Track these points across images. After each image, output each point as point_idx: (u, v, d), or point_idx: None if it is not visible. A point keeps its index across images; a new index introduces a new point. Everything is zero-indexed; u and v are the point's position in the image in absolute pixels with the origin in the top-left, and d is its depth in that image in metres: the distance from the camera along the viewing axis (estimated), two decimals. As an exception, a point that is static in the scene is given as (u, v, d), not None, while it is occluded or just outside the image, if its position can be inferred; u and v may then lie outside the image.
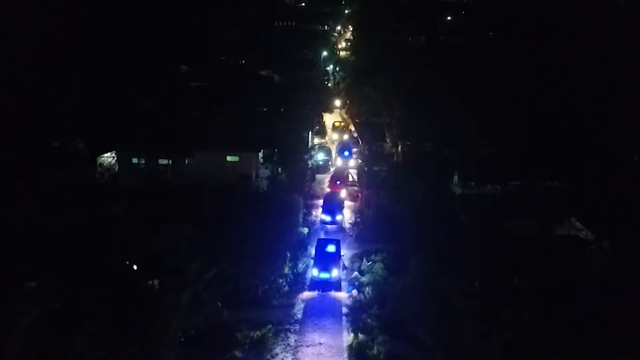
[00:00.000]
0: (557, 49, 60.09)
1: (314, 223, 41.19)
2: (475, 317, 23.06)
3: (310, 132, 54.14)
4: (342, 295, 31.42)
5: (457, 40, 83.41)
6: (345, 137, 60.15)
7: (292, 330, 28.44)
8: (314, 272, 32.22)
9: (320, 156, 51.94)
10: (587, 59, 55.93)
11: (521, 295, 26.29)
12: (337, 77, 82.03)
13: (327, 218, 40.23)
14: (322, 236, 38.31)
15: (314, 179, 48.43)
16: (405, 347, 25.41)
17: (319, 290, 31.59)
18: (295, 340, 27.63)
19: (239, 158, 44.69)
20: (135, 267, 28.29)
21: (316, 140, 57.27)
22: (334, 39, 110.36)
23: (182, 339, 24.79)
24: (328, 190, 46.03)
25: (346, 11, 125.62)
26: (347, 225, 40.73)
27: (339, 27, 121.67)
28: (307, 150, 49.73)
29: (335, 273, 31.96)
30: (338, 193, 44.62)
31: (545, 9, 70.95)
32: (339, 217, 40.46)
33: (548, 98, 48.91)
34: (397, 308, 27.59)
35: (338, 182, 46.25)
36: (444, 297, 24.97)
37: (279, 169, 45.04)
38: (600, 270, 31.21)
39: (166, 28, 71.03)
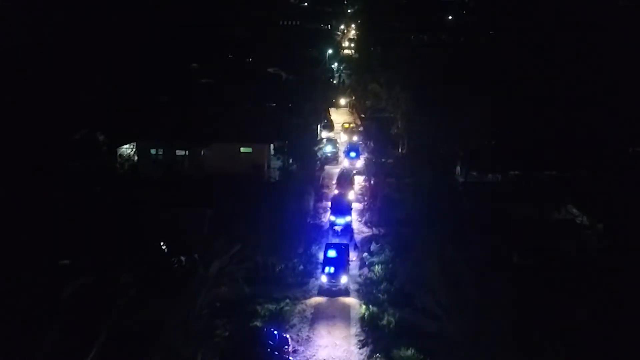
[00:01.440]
0: (554, 46, 62.01)
1: (324, 209, 43.15)
2: (478, 287, 25.16)
3: (318, 126, 56.26)
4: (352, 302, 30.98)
5: (459, 39, 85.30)
6: (355, 138, 59.47)
7: (307, 305, 30.69)
8: (323, 278, 31.60)
9: (328, 148, 54.10)
10: (584, 55, 57.86)
11: (520, 269, 28.42)
12: (342, 74, 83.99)
13: (336, 220, 39.77)
14: (331, 234, 38.65)
15: (323, 169, 50.51)
16: (414, 315, 27.55)
17: (327, 296, 30.97)
18: (311, 314, 29.87)
19: (252, 149, 46.85)
20: (164, 246, 30.38)
21: (324, 134, 59.23)
22: (337, 38, 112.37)
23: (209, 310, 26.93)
24: (335, 192, 45.59)
25: (349, 10, 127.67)
26: (355, 226, 40.48)
27: (342, 26, 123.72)
28: (316, 142, 51.78)
29: (344, 279, 31.43)
30: (346, 195, 44.45)
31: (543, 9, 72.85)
32: (347, 219, 39.99)
33: (546, 93, 50.82)
34: (405, 282, 29.69)
35: (344, 184, 46.04)
36: (450, 270, 27.09)
37: (290, 160, 47.09)
38: (593, 249, 33.32)
39: (176, 28, 73.10)
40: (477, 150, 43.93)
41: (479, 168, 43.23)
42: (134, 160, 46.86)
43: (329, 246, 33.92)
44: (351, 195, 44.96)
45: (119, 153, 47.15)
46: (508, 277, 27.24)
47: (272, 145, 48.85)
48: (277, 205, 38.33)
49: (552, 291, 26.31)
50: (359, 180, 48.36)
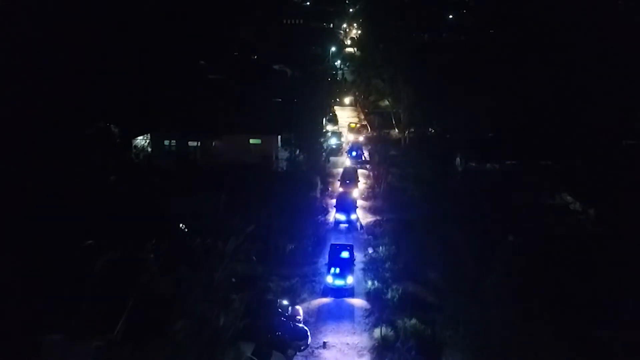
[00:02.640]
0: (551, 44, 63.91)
1: (330, 196, 45.12)
2: (476, 262, 27.16)
3: (324, 119, 58.26)
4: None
5: (459, 37, 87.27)
6: (361, 138, 59.69)
7: (316, 282, 32.78)
8: (328, 279, 31.64)
9: (333, 140, 56.12)
10: (580, 52, 59.72)
11: (515, 247, 30.39)
12: (345, 71, 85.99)
13: (342, 217, 40.36)
14: (337, 232, 39.07)
15: (328, 160, 52.54)
16: (416, 289, 29.56)
17: (333, 297, 31.11)
18: (320, 289, 31.93)
19: (261, 141, 48.90)
20: (183, 227, 32.41)
21: (329, 127, 61.25)
22: (340, 36, 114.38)
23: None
24: (340, 189, 46.15)
25: (350, 10, 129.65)
26: (360, 224, 40.73)
27: (344, 25, 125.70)
28: (322, 134, 53.80)
29: (350, 280, 31.51)
30: (350, 192, 45.01)
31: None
32: (353, 217, 40.47)
33: (542, 87, 52.75)
34: (408, 261, 31.71)
35: (348, 182, 46.59)
36: (450, 247, 29.10)
37: (297, 151, 49.12)
38: (586, 233, 35.35)
39: (183, 27, 75.14)
40: (475, 141, 45.89)
41: (477, 158, 45.18)
42: (148, 151, 48.86)
43: (334, 247, 33.93)
44: (356, 193, 45.65)
45: (134, 144, 49.12)
46: (504, 254, 29.32)
47: (279, 137, 50.80)
48: (286, 191, 40.37)
49: (546, 265, 28.27)
50: (362, 174, 49.80)
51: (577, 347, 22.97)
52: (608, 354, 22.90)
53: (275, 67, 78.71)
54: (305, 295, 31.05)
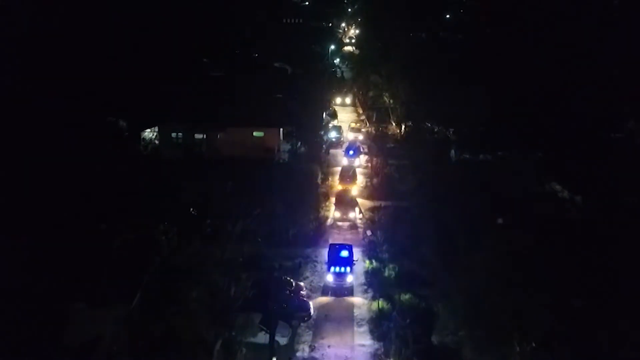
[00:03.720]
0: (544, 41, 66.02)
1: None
2: (467, 241, 29.29)
3: (324, 113, 60.35)
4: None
5: (457, 36, 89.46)
6: (360, 137, 60.14)
7: (318, 262, 34.94)
8: (328, 278, 32.33)
9: (333, 134, 58.23)
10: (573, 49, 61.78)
11: (503, 229, 32.59)
12: (344, 69, 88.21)
13: (341, 215, 41.41)
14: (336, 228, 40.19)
15: (328, 152, 54.66)
16: (412, 267, 31.73)
17: (333, 295, 31.79)
18: (321, 268, 34.07)
19: (264, 133, 50.99)
20: (193, 211, 34.50)
21: (329, 121, 63.38)
22: (339, 35, 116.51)
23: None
24: (339, 187, 46.65)
25: (349, 10, 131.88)
26: (360, 222, 41.61)
27: (343, 24, 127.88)
28: (322, 127, 55.90)
29: (349, 279, 32.20)
30: (350, 190, 45.72)
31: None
32: (352, 215, 41.40)
33: (533, 81, 54.80)
34: (405, 242, 33.86)
35: (348, 179, 47.22)
36: (443, 228, 31.25)
37: (299, 143, 51.21)
38: (570, 216, 37.54)
39: (186, 25, 77.17)
40: (468, 133, 48.04)
41: (470, 149, 47.32)
42: (155, 143, 50.89)
43: (333, 246, 34.39)
44: (355, 191, 46.36)
45: (142, 137, 51.14)
46: (493, 234, 31.49)
47: (281, 130, 52.86)
48: (288, 180, 42.43)
49: (533, 245, 30.39)
50: (361, 172, 51.10)
51: (558, 314, 25.00)
52: (584, 319, 24.90)
53: (276, 64, 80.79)
54: (308, 274, 33.12)
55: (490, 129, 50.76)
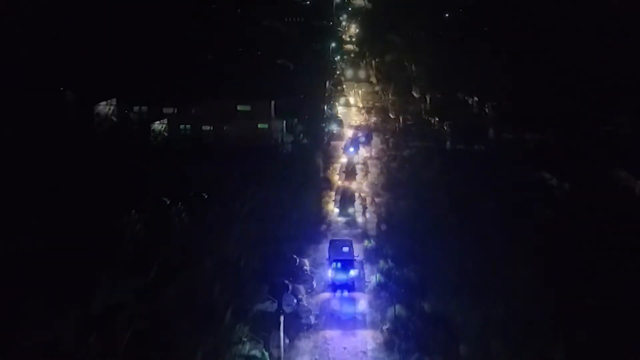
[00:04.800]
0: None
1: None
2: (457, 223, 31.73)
3: (324, 107, 62.77)
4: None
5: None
6: (360, 134, 59.34)
7: (319, 242, 37.43)
8: (331, 274, 32.41)
9: (334, 126, 60.65)
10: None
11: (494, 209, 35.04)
12: (345, 63, 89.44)
13: (342, 212, 42.16)
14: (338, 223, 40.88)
15: (329, 144, 57.02)
16: (408, 245, 34.20)
17: (336, 291, 31.88)
18: (323, 248, 36.53)
19: (268, 125, 53.32)
20: (204, 194, 36.98)
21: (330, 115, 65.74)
22: (339, 34, 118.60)
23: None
24: (339, 183, 47.31)
25: (349, 8, 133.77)
26: (360, 219, 41.79)
27: (343, 23, 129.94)
28: (324, 120, 58.23)
29: (352, 273, 32.24)
30: (350, 186, 46.13)
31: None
32: (351, 210, 42.19)
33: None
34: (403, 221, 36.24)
35: (349, 175, 47.65)
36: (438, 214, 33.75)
37: (301, 135, 53.58)
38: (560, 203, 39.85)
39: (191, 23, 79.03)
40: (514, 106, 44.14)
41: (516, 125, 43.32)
42: (164, 135, 53.21)
43: (334, 242, 34.92)
44: (355, 185, 46.84)
45: (152, 128, 53.43)
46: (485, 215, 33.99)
47: (285, 122, 55.19)
48: (292, 169, 44.89)
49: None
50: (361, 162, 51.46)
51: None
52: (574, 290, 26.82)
53: (279, 61, 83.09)
54: (310, 252, 35.60)
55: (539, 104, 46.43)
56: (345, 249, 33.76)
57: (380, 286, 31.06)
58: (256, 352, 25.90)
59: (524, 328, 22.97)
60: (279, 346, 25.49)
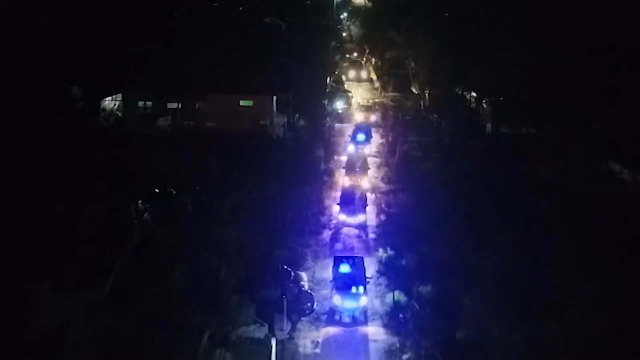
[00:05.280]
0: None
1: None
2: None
3: (328, 78, 64.31)
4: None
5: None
6: (373, 117, 62.66)
7: (320, 252, 39.06)
8: (336, 300, 32.93)
9: (339, 104, 62.10)
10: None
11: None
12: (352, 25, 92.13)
13: (347, 218, 43.24)
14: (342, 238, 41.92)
15: (333, 127, 58.48)
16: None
17: (342, 326, 32.41)
18: (324, 261, 38.29)
19: (253, 102, 54.84)
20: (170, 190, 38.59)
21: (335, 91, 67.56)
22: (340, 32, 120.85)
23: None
24: (345, 181, 48.97)
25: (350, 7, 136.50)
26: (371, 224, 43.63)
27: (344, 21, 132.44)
28: (326, 95, 59.71)
29: (363, 301, 32.83)
30: (358, 185, 47.82)
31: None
32: (361, 217, 43.26)
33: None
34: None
35: (357, 170, 49.32)
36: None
37: (296, 115, 55.03)
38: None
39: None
40: (509, 102, 51.44)
41: (511, 120, 50.77)
42: (118, 115, 54.69)
43: (340, 260, 35.35)
44: (365, 183, 48.84)
45: (101, 107, 54.94)
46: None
47: (275, 98, 56.56)
48: (284, 159, 46.38)
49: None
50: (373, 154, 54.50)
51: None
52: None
53: (267, 20, 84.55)
54: (309, 264, 37.13)
55: (537, 98, 53.55)
56: (354, 267, 34.30)
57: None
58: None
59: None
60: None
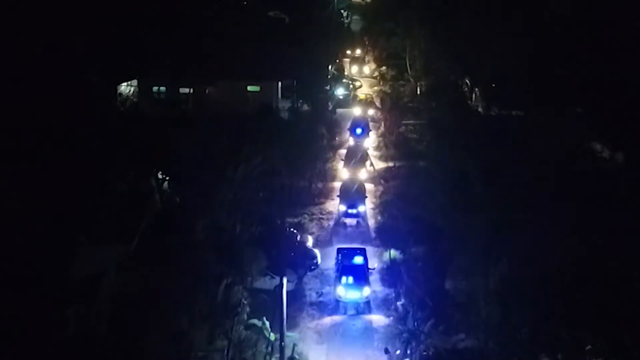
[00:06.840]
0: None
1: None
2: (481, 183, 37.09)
3: (329, 67, 68.27)
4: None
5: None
6: (371, 112, 64.32)
7: (325, 219, 42.91)
8: (339, 291, 33.70)
9: (340, 91, 66.14)
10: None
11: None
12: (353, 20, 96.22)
13: (347, 209, 44.11)
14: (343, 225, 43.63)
15: (335, 112, 62.40)
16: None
17: (345, 313, 33.53)
18: (328, 225, 42.02)
19: (260, 88, 58.75)
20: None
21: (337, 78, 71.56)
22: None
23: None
24: (344, 172, 50.63)
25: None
26: (369, 217, 45.13)
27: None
28: (328, 82, 63.69)
29: (366, 292, 33.68)
30: (358, 177, 49.01)
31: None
32: (361, 208, 44.09)
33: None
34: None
35: (356, 163, 50.76)
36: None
37: (300, 101, 58.94)
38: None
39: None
40: (498, 85, 55.34)
41: (500, 102, 54.52)
42: (134, 100, 58.57)
43: (342, 251, 36.80)
44: (364, 175, 50.32)
45: (118, 92, 58.79)
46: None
47: (280, 84, 60.53)
48: (290, 139, 50.11)
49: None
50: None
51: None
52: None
53: (271, 13, 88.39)
54: (314, 229, 41.08)
55: (524, 81, 57.50)
56: (358, 259, 35.50)
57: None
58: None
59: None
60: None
